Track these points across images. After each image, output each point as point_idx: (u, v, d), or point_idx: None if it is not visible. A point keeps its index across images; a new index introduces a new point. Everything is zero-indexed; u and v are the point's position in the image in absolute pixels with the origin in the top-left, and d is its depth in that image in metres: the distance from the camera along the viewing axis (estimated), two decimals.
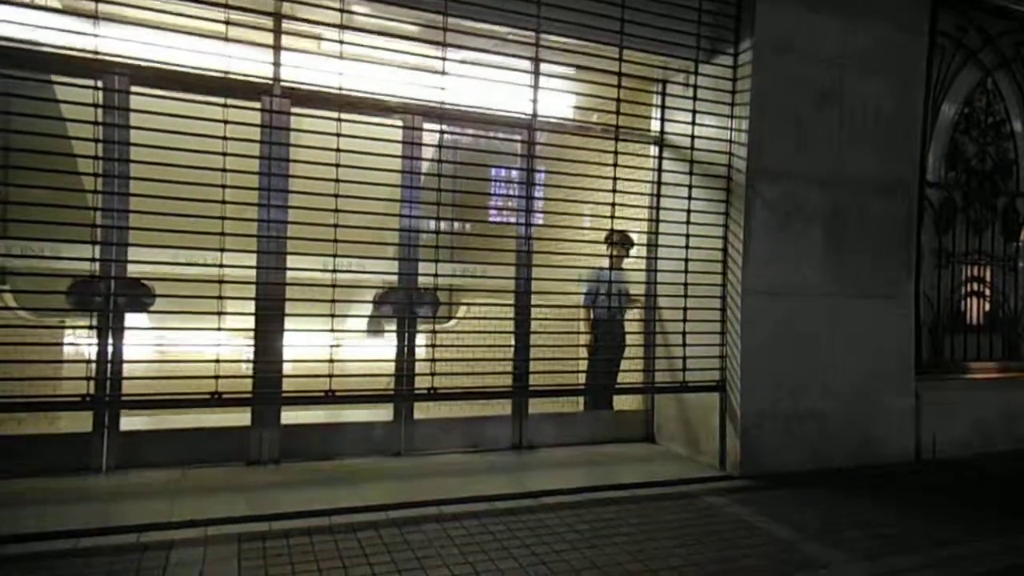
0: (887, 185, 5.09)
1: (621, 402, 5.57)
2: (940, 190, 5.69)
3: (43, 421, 4.42)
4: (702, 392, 4.73)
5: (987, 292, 6.00)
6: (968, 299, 5.90)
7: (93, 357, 3.76)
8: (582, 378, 5.48)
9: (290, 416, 4.38)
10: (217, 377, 3.68)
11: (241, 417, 4.28)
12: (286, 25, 4.10)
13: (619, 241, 5.15)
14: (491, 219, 6.20)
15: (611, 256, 5.09)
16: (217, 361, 3.69)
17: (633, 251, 5.43)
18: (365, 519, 3.52)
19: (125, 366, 3.92)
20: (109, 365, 3.83)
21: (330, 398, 3.89)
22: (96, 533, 3.16)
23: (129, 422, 4.13)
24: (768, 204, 4.65)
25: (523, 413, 4.93)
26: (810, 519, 3.82)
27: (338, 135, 3.92)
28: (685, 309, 4.66)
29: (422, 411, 4.81)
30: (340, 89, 3.99)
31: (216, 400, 3.68)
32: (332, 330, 3.94)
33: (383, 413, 4.70)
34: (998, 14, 5.81)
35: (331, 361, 3.90)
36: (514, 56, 4.44)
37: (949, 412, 5.39)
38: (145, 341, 4.30)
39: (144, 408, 3.77)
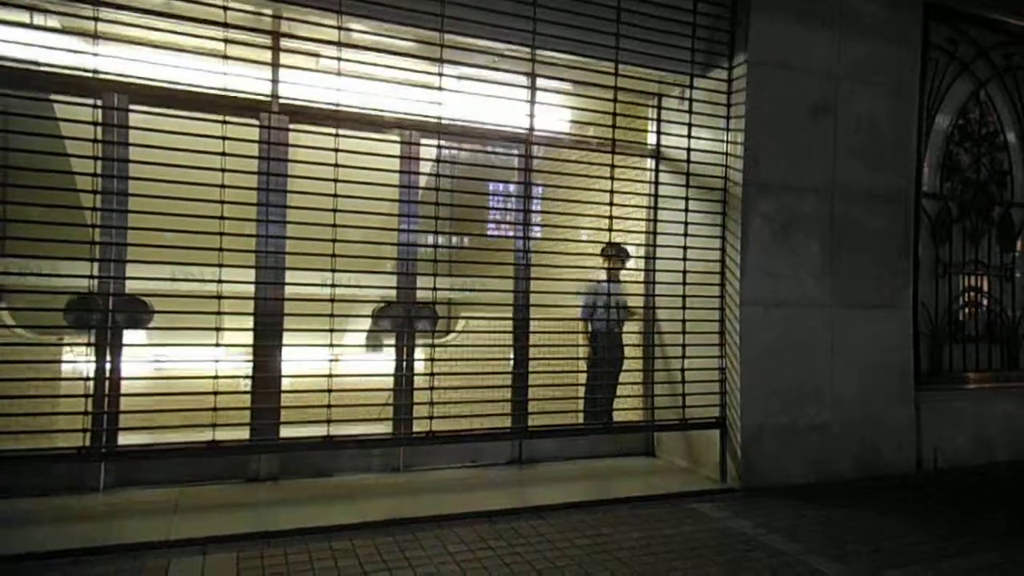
0: (883, 196, 5.12)
1: (621, 416, 5.55)
2: (936, 201, 5.71)
3: (42, 439, 4.39)
4: (703, 429, 4.75)
5: (985, 302, 6.01)
6: (966, 309, 5.91)
7: (89, 399, 3.68)
8: (583, 395, 5.45)
9: (289, 432, 4.36)
10: (214, 426, 3.70)
11: (240, 434, 4.25)
12: (284, 43, 4.13)
13: (614, 253, 5.16)
14: (489, 234, 6.21)
15: (608, 268, 5.11)
16: (215, 409, 3.68)
17: (631, 264, 5.44)
18: (364, 536, 3.50)
19: (122, 406, 3.86)
20: (105, 416, 3.79)
21: (328, 444, 3.92)
22: (93, 553, 3.14)
23: (127, 440, 4.11)
24: (765, 216, 4.67)
25: (523, 427, 4.90)
26: (811, 531, 3.81)
27: (336, 151, 3.94)
28: (684, 321, 4.68)
29: (421, 426, 4.79)
30: (338, 105, 4.02)
31: (213, 448, 3.70)
32: (331, 345, 3.94)
33: (382, 428, 4.68)
34: (989, 27, 5.87)
35: (329, 406, 3.90)
36: (511, 72, 4.47)
37: (949, 423, 5.39)
38: (143, 382, 4.23)
39: (140, 458, 3.76)
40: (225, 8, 3.74)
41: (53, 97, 3.78)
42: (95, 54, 3.60)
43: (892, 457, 5.11)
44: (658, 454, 5.30)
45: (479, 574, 3.09)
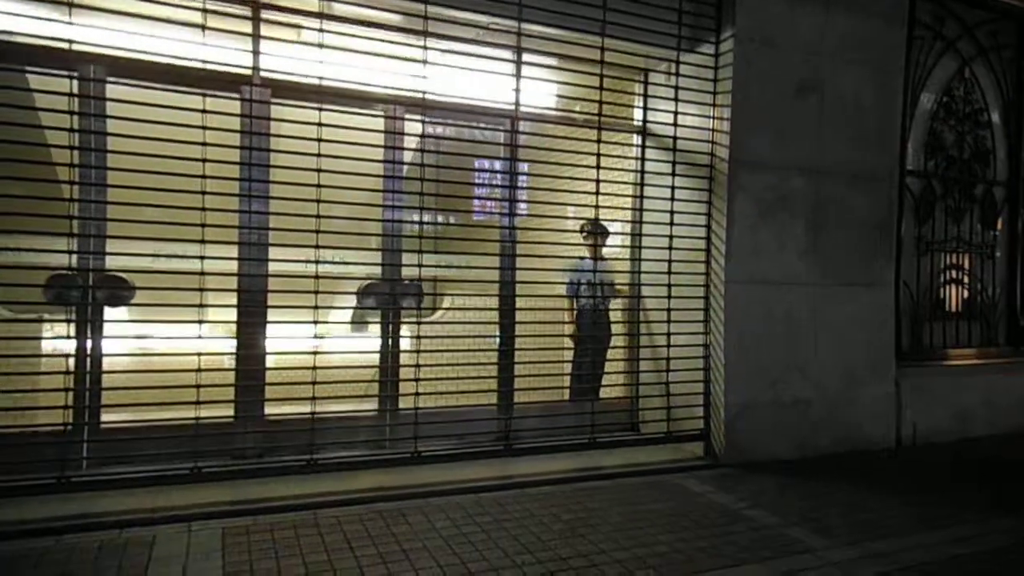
0: (867, 174, 5.14)
1: (606, 392, 5.58)
2: (920, 179, 5.75)
3: (22, 418, 4.35)
4: (686, 442, 4.78)
5: (966, 280, 6.08)
6: (947, 287, 5.98)
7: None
8: (570, 372, 5.46)
9: (274, 410, 4.34)
10: (196, 452, 3.67)
11: (224, 412, 4.23)
12: (265, 15, 4.05)
13: (592, 231, 5.17)
14: (474, 211, 6.18)
15: (588, 246, 5.11)
16: (196, 435, 3.67)
17: (616, 241, 5.44)
18: (351, 511, 3.52)
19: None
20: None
21: (312, 467, 3.88)
22: (77, 527, 3.13)
23: (110, 419, 4.07)
24: (750, 194, 4.68)
25: (509, 405, 4.91)
26: (793, 505, 3.86)
27: (319, 125, 3.88)
28: (669, 299, 4.68)
29: (407, 403, 4.78)
30: (321, 80, 3.96)
31: (196, 476, 3.67)
32: (315, 322, 3.92)
33: (368, 405, 4.67)
34: (975, 4, 5.88)
35: (312, 429, 3.89)
36: (496, 46, 4.42)
37: (929, 399, 5.47)
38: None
39: (124, 488, 3.66)
40: None
41: (28, 69, 3.68)
42: (70, 23, 3.51)
43: (873, 433, 5.18)
44: (643, 430, 5.33)
45: (465, 548, 3.11)
